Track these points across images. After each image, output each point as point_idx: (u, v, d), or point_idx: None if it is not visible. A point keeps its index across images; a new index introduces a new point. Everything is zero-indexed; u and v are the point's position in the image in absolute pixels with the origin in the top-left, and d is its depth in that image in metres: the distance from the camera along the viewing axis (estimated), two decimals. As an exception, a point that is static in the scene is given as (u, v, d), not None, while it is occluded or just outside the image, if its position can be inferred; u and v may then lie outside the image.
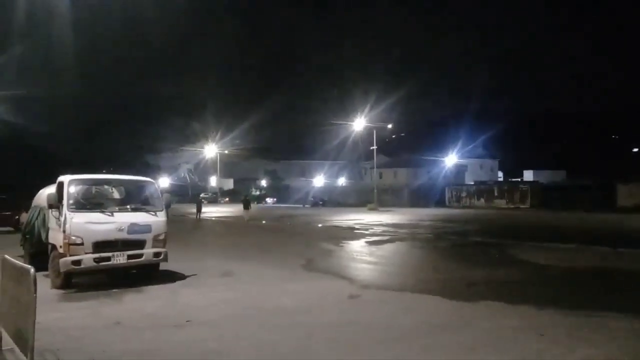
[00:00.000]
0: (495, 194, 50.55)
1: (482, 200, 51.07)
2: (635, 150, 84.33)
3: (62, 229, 9.17)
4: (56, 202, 9.45)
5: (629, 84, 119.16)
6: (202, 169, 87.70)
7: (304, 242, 18.69)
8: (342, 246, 17.08)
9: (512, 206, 46.51)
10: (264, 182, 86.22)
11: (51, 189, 10.16)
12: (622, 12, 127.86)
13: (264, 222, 31.52)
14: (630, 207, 35.66)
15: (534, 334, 6.35)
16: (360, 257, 14.51)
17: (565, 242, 16.67)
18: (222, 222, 32.82)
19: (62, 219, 9.21)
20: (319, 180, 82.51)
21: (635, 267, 12.21)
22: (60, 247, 9.20)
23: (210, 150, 77.39)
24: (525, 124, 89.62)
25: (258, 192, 76.80)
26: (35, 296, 4.41)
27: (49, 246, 9.94)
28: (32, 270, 4.54)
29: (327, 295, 9.03)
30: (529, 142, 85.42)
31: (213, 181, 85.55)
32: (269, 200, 71.77)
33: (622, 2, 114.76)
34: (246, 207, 34.02)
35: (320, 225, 27.84)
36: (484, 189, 52.77)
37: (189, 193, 78.79)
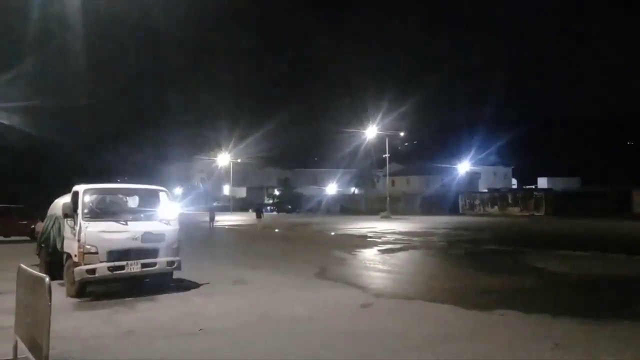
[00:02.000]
0: (509, 201, 50.14)
1: (496, 207, 50.68)
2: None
3: (77, 238, 9.26)
4: (71, 212, 9.55)
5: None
6: (216, 178, 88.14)
7: (317, 250, 18.68)
8: (355, 254, 17.03)
9: (527, 213, 46.09)
10: (276, 191, 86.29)
11: (66, 199, 10.27)
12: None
13: (276, 230, 31.54)
14: (647, 214, 35.27)
15: (549, 343, 6.27)
16: (373, 265, 14.45)
17: (581, 249, 16.47)
18: (235, 231, 32.91)
19: (77, 228, 9.30)
20: (331, 188, 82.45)
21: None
22: (75, 256, 9.28)
23: (224, 158, 77.67)
24: (539, 131, 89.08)
25: (271, 201, 77.12)
26: (50, 305, 4.44)
27: (64, 255, 10.02)
28: (47, 279, 4.58)
29: (340, 303, 9.00)
30: (543, 149, 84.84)
31: (226, 190, 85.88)
32: (269, 208, 72.30)
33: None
34: (259, 215, 34.25)
35: (333, 233, 27.80)
36: (497, 197, 52.36)
37: (203, 202, 79.17)
